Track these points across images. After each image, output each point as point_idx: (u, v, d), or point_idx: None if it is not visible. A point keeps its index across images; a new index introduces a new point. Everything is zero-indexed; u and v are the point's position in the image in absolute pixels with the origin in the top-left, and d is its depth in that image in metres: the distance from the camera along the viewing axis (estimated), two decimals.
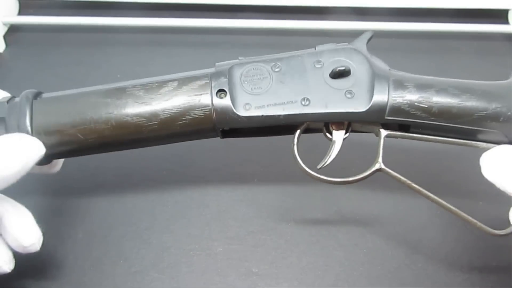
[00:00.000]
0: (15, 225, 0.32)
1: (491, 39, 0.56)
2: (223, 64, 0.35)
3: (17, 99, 0.35)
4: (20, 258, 0.35)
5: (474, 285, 0.37)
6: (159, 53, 0.55)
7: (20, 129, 0.33)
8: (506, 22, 0.57)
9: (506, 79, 0.35)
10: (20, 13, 0.58)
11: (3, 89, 0.51)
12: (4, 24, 0.56)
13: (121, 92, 0.34)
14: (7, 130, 0.33)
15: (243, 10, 0.57)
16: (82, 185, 0.42)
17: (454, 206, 0.34)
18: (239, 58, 0.36)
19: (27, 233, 0.33)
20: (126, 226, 0.40)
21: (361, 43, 0.35)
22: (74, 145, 0.34)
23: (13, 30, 0.57)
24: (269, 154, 0.45)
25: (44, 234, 0.33)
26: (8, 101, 0.34)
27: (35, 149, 0.32)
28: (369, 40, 0.36)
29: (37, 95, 0.35)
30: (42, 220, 0.37)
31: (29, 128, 0.33)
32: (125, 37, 0.56)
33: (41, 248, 0.38)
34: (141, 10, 0.58)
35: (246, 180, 0.44)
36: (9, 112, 0.34)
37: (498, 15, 0.57)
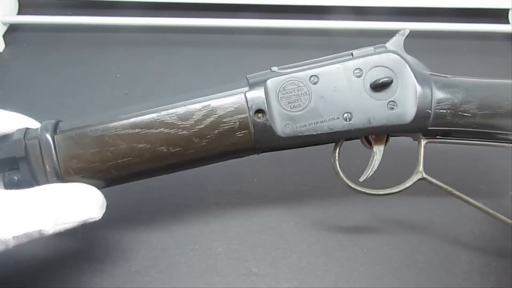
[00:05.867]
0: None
1: (491, 39, 0.56)
2: (256, 79, 0.33)
3: (33, 133, 0.32)
4: (20, 259, 0.35)
5: (474, 285, 0.37)
6: (159, 53, 0.55)
7: (48, 171, 0.31)
8: (506, 22, 0.57)
9: (506, 79, 0.35)
10: (20, 12, 0.58)
11: (3, 88, 0.50)
12: (4, 24, 0.56)
13: (151, 121, 0.31)
14: (32, 172, 0.31)
15: (244, 9, 0.57)
16: None
17: (491, 208, 0.35)
18: (272, 68, 0.33)
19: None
20: (126, 226, 0.40)
21: (398, 45, 0.34)
22: (109, 180, 0.32)
23: (12, 30, 0.57)
24: (269, 153, 0.45)
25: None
26: (24, 136, 0.31)
27: (101, 208, 0.31)
28: (405, 38, 0.34)
29: (56, 127, 0.32)
30: None
31: (58, 170, 0.31)
32: (125, 36, 0.56)
33: (41, 248, 0.38)
34: (141, 9, 0.58)
35: (246, 180, 0.44)
36: (30, 151, 0.31)
37: (498, 15, 0.57)
